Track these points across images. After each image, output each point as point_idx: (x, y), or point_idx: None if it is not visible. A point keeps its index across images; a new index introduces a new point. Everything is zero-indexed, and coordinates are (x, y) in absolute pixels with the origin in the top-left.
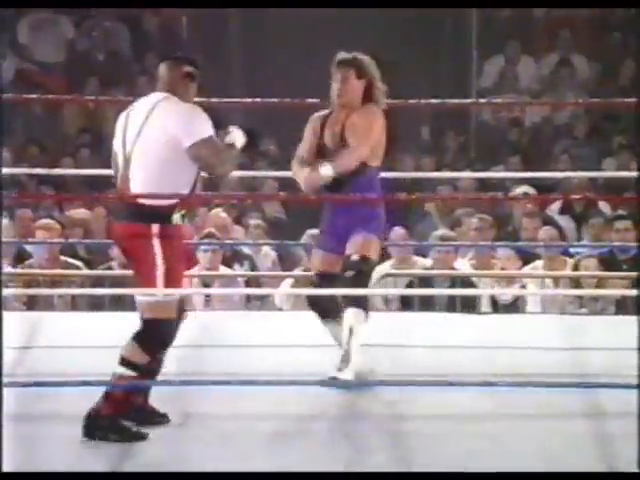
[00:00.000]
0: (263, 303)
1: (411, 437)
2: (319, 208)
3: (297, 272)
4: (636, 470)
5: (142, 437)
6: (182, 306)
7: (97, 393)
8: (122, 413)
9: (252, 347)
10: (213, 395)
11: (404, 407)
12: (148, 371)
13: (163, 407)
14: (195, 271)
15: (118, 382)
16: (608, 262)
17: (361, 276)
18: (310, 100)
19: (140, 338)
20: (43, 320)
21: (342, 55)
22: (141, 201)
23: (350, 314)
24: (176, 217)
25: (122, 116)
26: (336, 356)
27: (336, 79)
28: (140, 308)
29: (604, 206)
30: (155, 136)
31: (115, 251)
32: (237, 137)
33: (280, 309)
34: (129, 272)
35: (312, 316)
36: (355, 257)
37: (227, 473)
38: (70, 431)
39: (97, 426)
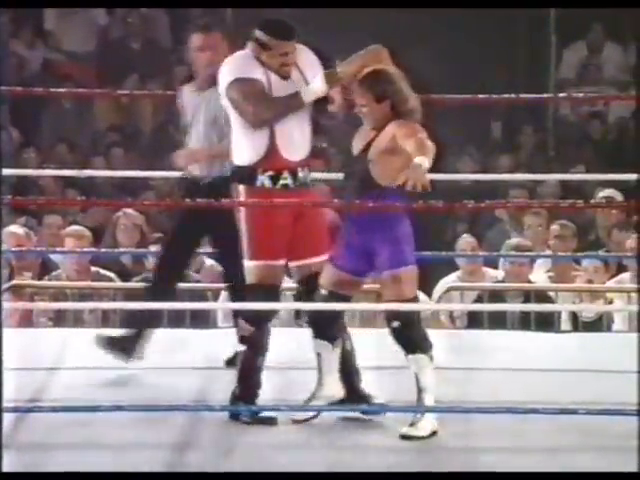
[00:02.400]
0: None
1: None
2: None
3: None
4: (636, 470)
5: (272, 422)
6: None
7: (131, 418)
8: (252, 393)
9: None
10: None
11: (473, 439)
12: (256, 343)
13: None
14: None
15: (239, 360)
16: None
17: (408, 325)
18: None
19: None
20: (72, 337)
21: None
22: (232, 159)
23: (412, 361)
24: (263, 179)
25: None
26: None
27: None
28: None
29: None
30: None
31: (150, 261)
32: (314, 87)
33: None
34: None
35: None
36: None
37: (227, 473)
38: (100, 461)
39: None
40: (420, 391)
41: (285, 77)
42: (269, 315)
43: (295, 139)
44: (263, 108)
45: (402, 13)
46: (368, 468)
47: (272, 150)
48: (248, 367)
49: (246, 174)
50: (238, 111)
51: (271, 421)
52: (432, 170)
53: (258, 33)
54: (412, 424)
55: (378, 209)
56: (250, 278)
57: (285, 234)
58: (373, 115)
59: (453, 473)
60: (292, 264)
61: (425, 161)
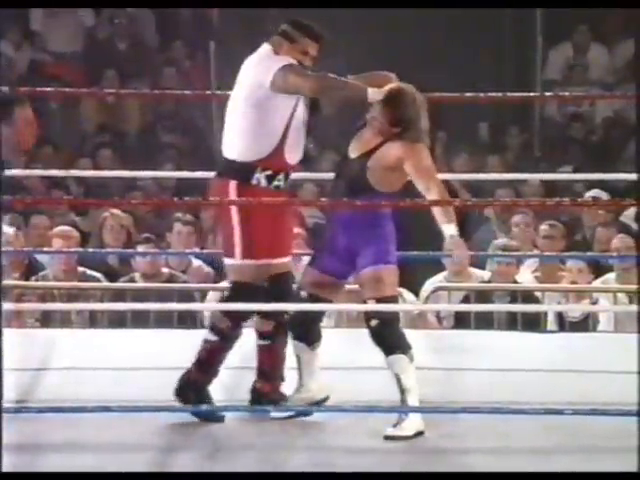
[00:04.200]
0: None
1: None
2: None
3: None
4: (636, 470)
5: (219, 419)
6: (275, 272)
7: (119, 419)
8: (207, 380)
9: None
10: None
11: (459, 440)
12: (229, 337)
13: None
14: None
15: (203, 345)
16: None
17: (387, 324)
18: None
19: (224, 301)
20: (59, 338)
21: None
22: (225, 154)
23: (392, 362)
24: (260, 177)
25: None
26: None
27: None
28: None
29: None
30: (238, 86)
31: (137, 261)
32: (376, 93)
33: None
34: (152, 285)
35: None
36: (372, 303)
37: (215, 473)
38: (88, 462)
39: (184, 391)
40: (403, 392)
41: None
42: (249, 315)
43: (299, 143)
44: (330, 82)
45: (388, 14)
46: (354, 468)
47: (278, 151)
48: (212, 357)
49: (242, 170)
50: (298, 89)
51: (219, 419)
52: None
53: (285, 26)
54: (396, 425)
55: (364, 207)
56: (242, 276)
57: (276, 234)
58: (381, 130)
59: (440, 473)
60: (268, 261)
61: (454, 229)
